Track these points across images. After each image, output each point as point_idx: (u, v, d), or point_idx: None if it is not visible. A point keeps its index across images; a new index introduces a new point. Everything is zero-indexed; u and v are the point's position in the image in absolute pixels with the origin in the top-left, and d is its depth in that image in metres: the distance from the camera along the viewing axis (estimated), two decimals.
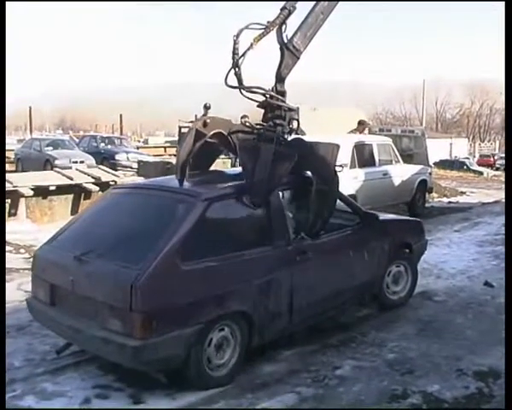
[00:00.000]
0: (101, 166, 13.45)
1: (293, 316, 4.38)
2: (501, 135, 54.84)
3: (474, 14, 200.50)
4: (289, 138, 4.72)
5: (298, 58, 4.83)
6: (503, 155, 22.41)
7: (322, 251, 4.59)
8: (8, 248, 7.73)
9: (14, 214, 9.65)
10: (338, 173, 4.58)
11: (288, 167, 4.31)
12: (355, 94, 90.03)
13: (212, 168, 5.21)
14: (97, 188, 10.52)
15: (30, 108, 36.35)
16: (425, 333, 4.95)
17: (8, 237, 7.70)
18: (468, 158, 37.99)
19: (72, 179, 10.65)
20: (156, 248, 3.68)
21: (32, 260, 4.64)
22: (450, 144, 42.02)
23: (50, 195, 10.26)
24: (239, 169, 4.59)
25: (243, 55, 4.56)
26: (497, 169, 33.38)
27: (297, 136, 4.79)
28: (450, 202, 13.92)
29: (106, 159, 18.77)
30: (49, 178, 10.72)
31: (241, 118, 4.72)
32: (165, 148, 30.12)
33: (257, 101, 4.74)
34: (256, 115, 4.97)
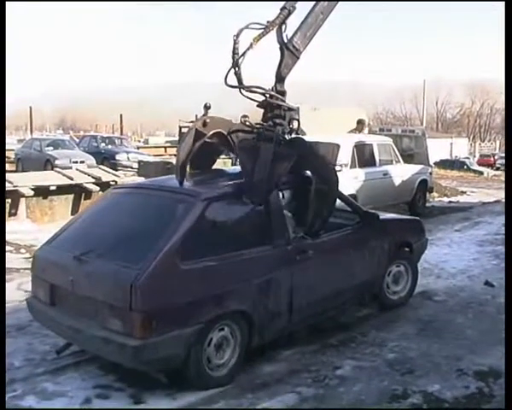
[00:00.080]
0: (101, 166, 13.46)
1: (292, 316, 4.37)
2: (501, 135, 54.77)
3: (474, 14, 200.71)
4: (289, 138, 4.72)
5: (298, 58, 4.83)
6: (504, 155, 22.41)
7: (322, 250, 4.59)
8: (8, 247, 7.73)
9: (15, 214, 9.65)
10: (338, 173, 4.58)
11: (287, 167, 4.31)
12: (355, 94, 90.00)
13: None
14: (98, 188, 10.53)
15: (30, 108, 36.39)
16: (425, 333, 4.95)
17: (8, 237, 7.70)
18: (468, 158, 38.00)
19: (72, 179, 10.65)
20: (156, 248, 3.68)
21: (31, 260, 4.64)
22: (451, 144, 42.00)
23: (51, 195, 10.27)
24: (239, 168, 4.59)
25: (243, 54, 4.56)
26: (498, 169, 33.37)
27: (297, 135, 4.79)
28: (450, 202, 13.92)
29: (106, 159, 18.81)
30: (50, 178, 10.72)
31: (242, 118, 4.73)
32: (165, 148, 30.17)
33: (257, 101, 4.74)
34: (256, 115, 4.97)
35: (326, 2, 5.01)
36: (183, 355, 3.68)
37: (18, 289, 5.93)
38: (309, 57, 5.29)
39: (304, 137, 4.95)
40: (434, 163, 19.51)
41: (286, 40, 4.76)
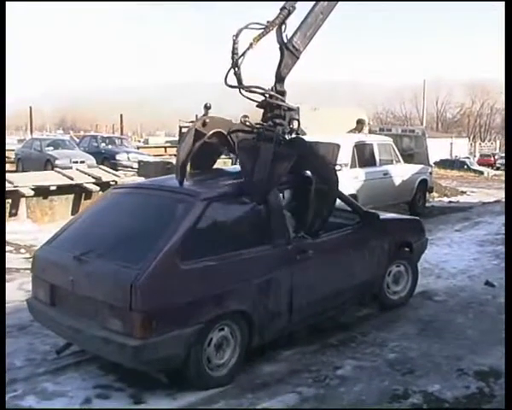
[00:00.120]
0: (101, 166, 13.46)
1: (292, 315, 4.37)
2: (501, 135, 54.76)
3: (474, 14, 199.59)
4: (289, 138, 4.72)
5: (297, 58, 4.83)
6: (504, 155, 22.42)
7: (322, 250, 4.59)
8: (8, 248, 7.73)
9: (15, 214, 9.66)
10: (338, 173, 4.58)
11: (287, 167, 4.31)
12: (355, 94, 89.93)
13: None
14: (98, 188, 10.54)
15: (30, 108, 36.40)
16: (426, 333, 4.95)
17: (8, 237, 7.71)
18: (468, 158, 37.99)
19: (72, 179, 10.66)
20: (156, 248, 3.68)
21: (31, 260, 4.64)
22: (451, 144, 42.01)
23: (51, 195, 10.27)
24: (239, 168, 4.59)
25: (243, 54, 4.56)
26: (498, 169, 33.39)
27: (297, 135, 4.79)
28: (450, 202, 13.93)
29: (106, 159, 18.81)
30: (50, 178, 10.72)
31: (242, 117, 4.72)
32: (165, 148, 30.17)
33: (256, 101, 4.74)
34: (256, 115, 4.97)
35: (326, 2, 5.02)
36: (183, 355, 3.68)
37: (19, 289, 5.92)
38: (309, 57, 5.29)
39: (304, 137, 4.95)
40: (434, 163, 19.53)
41: (286, 40, 4.76)
